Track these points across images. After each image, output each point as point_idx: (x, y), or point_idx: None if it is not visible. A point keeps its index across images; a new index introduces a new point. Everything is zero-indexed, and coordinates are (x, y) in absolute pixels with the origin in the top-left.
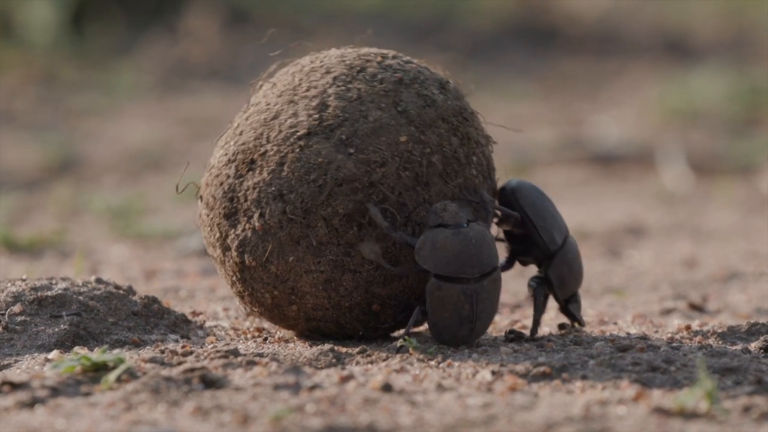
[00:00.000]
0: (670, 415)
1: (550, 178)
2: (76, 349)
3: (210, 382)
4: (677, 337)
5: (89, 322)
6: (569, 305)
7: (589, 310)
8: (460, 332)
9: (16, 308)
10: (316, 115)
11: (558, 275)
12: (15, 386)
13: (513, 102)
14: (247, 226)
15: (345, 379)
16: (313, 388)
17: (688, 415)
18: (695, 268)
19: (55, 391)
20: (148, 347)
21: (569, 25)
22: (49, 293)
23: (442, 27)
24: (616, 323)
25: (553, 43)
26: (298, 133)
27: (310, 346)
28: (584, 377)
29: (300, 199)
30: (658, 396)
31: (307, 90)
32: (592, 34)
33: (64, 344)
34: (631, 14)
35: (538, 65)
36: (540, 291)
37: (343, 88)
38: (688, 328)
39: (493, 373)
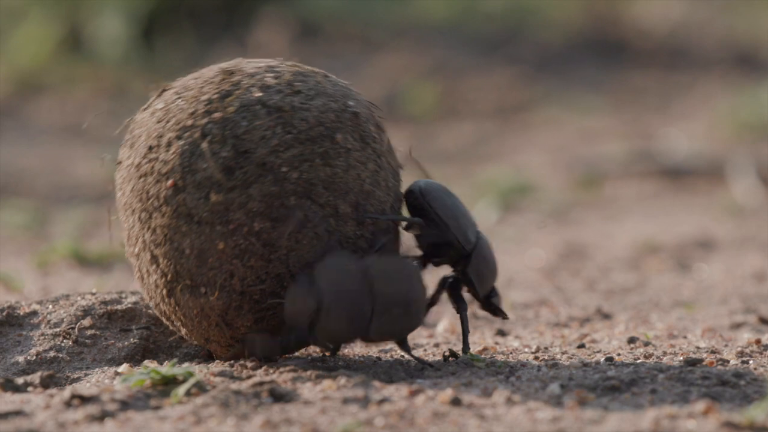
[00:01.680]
0: (739, 430)
1: (619, 191)
2: (146, 362)
3: (279, 396)
4: (747, 350)
5: (158, 335)
6: (491, 299)
7: (658, 324)
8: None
9: (86, 322)
10: None
11: (477, 273)
12: (85, 400)
13: (583, 116)
14: None
15: (414, 393)
16: (382, 401)
17: (757, 429)
18: (765, 282)
19: (125, 405)
20: (217, 361)
21: (639, 38)
22: (118, 307)
23: (512, 40)
24: (685, 337)
25: (624, 56)
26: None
27: (379, 359)
28: (653, 391)
29: None
30: (727, 410)
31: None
32: (663, 47)
33: (134, 358)
34: (702, 27)
35: (609, 79)
36: (464, 307)
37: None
38: (758, 342)
39: (562, 386)
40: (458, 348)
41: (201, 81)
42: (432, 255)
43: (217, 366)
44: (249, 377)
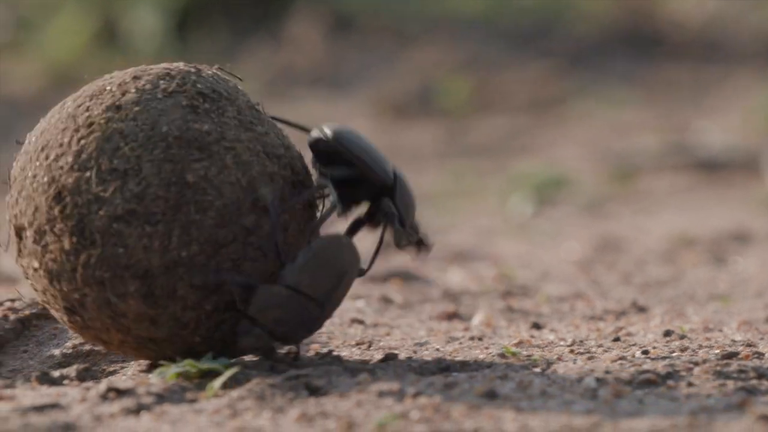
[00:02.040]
0: None
1: (654, 185)
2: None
3: (314, 389)
4: None
5: None
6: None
7: (693, 317)
8: None
9: None
10: None
11: (404, 203)
12: (121, 393)
13: (617, 109)
14: None
15: (449, 386)
16: (417, 394)
17: None
18: None
19: (161, 398)
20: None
21: (674, 31)
22: None
23: (546, 33)
24: (721, 330)
25: (658, 49)
26: None
27: (414, 353)
28: (689, 384)
29: None
30: (763, 404)
31: None
32: (697, 40)
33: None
34: (736, 20)
35: (643, 72)
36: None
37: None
38: None
39: (598, 380)
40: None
41: None
42: (350, 197)
43: (252, 359)
44: (285, 370)
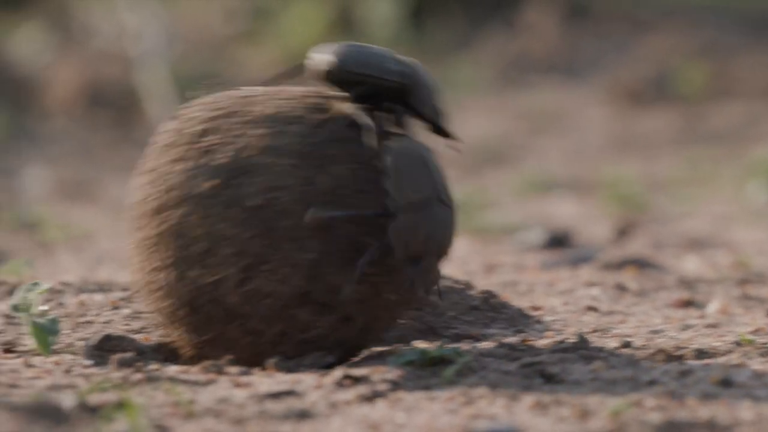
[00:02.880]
0: None
1: None
2: (416, 343)
3: (549, 376)
4: None
5: (429, 316)
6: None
7: None
8: None
9: None
10: None
11: (421, 98)
12: (356, 380)
13: None
14: None
15: (683, 374)
16: (651, 382)
17: None
18: None
19: (396, 385)
20: (486, 342)
21: None
22: None
23: None
24: None
25: None
26: None
27: (649, 340)
28: None
29: None
30: None
31: None
32: None
33: (405, 339)
34: None
35: None
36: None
37: None
38: None
39: None
40: None
41: None
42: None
43: (486, 347)
44: (518, 358)
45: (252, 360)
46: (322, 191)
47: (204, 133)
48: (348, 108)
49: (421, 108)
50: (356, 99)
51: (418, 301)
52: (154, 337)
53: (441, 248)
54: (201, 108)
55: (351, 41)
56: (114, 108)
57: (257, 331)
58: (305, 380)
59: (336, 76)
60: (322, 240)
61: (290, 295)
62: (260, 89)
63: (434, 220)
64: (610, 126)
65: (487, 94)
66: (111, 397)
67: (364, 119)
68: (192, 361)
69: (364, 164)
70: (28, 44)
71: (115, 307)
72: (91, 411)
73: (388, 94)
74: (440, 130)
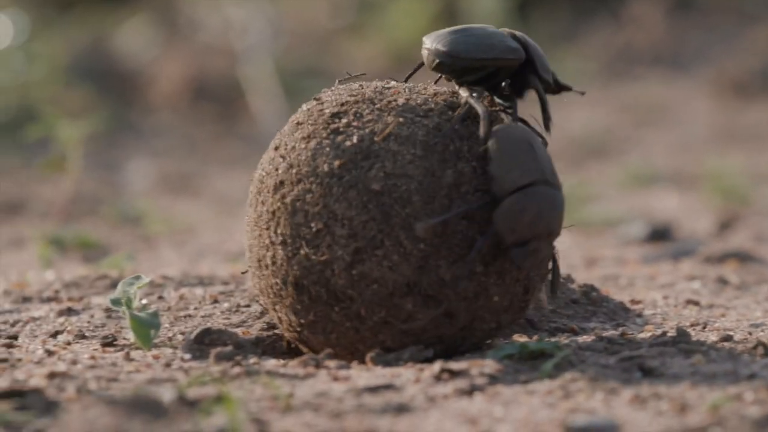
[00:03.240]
0: None
1: None
2: (515, 336)
3: (648, 370)
4: None
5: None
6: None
7: None
8: None
9: None
10: None
11: (542, 65)
12: (454, 374)
13: None
14: None
15: None
16: (751, 376)
17: None
18: None
19: (494, 379)
20: (585, 335)
21: None
22: None
23: None
24: None
25: None
26: None
27: (749, 334)
28: None
29: None
30: None
31: None
32: None
33: (504, 332)
34: None
35: None
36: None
37: None
38: None
39: None
40: None
41: None
42: (492, 88)
43: (585, 340)
44: (617, 352)
45: (351, 347)
46: (443, 185)
47: (337, 115)
48: (474, 102)
49: (545, 74)
50: (474, 83)
51: (527, 306)
52: (253, 331)
53: (551, 230)
54: (337, 92)
55: (457, 26)
56: (218, 102)
57: (360, 317)
58: (404, 374)
59: (453, 66)
60: (436, 232)
61: (397, 283)
62: (394, 82)
63: (541, 201)
64: (715, 118)
65: (592, 86)
66: (210, 390)
67: (482, 108)
68: (290, 351)
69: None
70: (135, 39)
71: (215, 301)
72: (189, 405)
73: (506, 71)
74: (564, 87)
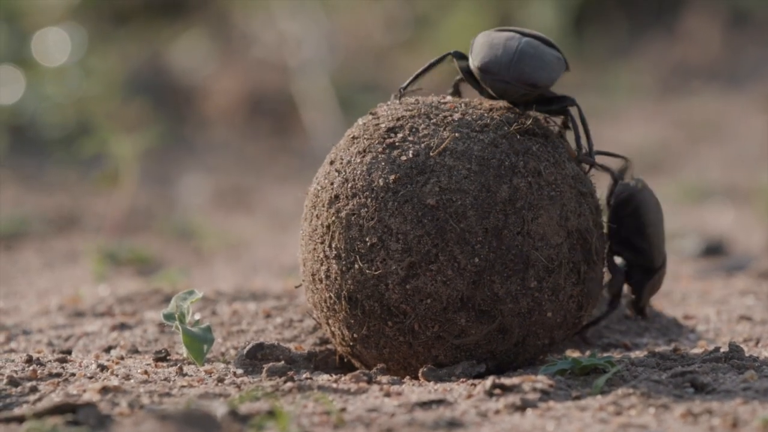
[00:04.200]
0: None
1: None
2: (568, 352)
3: (700, 386)
4: None
5: None
6: None
7: None
8: None
9: None
10: None
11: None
12: (506, 389)
13: None
14: None
15: None
16: None
17: None
18: None
19: (546, 395)
20: (638, 351)
21: None
22: None
23: None
24: None
25: None
26: None
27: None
28: None
29: None
30: None
31: None
32: None
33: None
34: None
35: None
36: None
37: None
38: None
39: None
40: None
41: None
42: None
43: (638, 356)
44: (670, 367)
45: (403, 362)
46: (498, 200)
47: (392, 129)
48: (532, 120)
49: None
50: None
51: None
52: (306, 346)
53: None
54: (393, 107)
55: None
56: (273, 117)
57: (413, 332)
58: (456, 389)
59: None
60: (491, 247)
61: (451, 298)
62: (450, 97)
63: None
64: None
65: (646, 101)
66: (262, 405)
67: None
68: (342, 366)
69: (541, 178)
70: (190, 54)
71: (268, 316)
72: (242, 420)
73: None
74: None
